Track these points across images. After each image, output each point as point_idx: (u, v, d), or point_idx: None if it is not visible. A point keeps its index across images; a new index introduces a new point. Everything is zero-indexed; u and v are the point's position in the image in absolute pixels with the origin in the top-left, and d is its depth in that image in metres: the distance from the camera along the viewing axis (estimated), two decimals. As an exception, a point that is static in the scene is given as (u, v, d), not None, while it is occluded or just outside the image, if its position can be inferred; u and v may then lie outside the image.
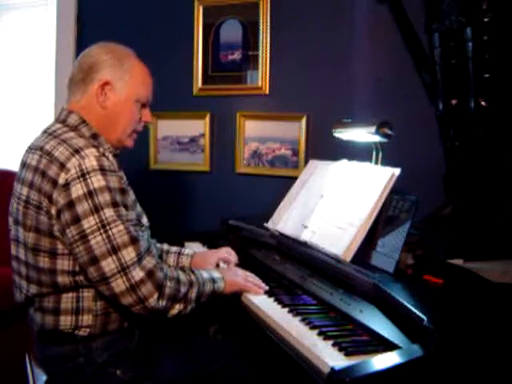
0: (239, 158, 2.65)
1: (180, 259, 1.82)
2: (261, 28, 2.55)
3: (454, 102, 1.97)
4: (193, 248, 2.10)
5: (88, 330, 1.40)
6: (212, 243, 2.18)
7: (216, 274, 1.56)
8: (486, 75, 1.86)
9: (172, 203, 2.75)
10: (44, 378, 1.54)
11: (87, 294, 1.39)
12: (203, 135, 2.71)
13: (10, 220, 1.49)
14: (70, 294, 1.39)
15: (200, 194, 2.76)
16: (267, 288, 1.65)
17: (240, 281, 1.61)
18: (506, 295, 1.45)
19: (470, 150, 1.95)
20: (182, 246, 2.13)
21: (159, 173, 2.80)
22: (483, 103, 1.88)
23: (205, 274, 1.52)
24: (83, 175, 1.32)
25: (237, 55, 2.64)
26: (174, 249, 1.84)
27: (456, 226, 1.89)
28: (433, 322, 1.14)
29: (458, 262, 1.72)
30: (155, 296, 1.34)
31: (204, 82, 2.71)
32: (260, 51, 2.56)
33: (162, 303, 1.36)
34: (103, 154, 1.38)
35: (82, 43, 2.94)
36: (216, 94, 2.70)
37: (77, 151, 1.35)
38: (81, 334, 1.39)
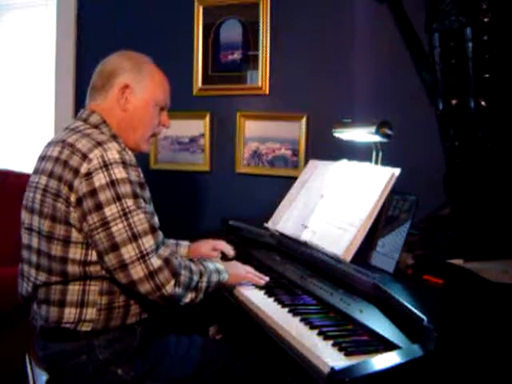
0: (239, 158, 2.65)
1: (178, 249, 1.88)
2: (261, 28, 2.55)
3: (454, 102, 1.97)
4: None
5: (91, 324, 1.41)
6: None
7: (220, 266, 1.61)
8: (486, 75, 1.86)
9: (172, 203, 2.74)
10: (44, 377, 1.54)
11: (94, 287, 1.42)
12: (203, 135, 2.71)
13: (23, 213, 1.52)
14: (77, 287, 1.41)
15: (200, 194, 2.76)
16: (267, 279, 1.71)
17: (242, 272, 1.69)
18: (505, 295, 1.45)
19: (470, 149, 1.95)
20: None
21: (159, 173, 2.80)
22: (483, 103, 1.87)
23: (211, 265, 1.57)
24: (105, 166, 1.37)
25: (237, 55, 2.63)
26: (171, 241, 1.89)
27: (456, 226, 1.89)
28: (433, 322, 1.14)
29: (458, 262, 1.72)
30: (172, 283, 1.38)
31: (204, 81, 2.71)
32: (260, 51, 2.56)
33: (178, 290, 1.40)
34: (124, 149, 1.44)
35: (82, 43, 2.95)
36: (216, 93, 2.70)
37: (99, 144, 1.40)
38: (83, 329, 1.41)
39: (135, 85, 1.54)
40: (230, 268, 1.66)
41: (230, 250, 1.94)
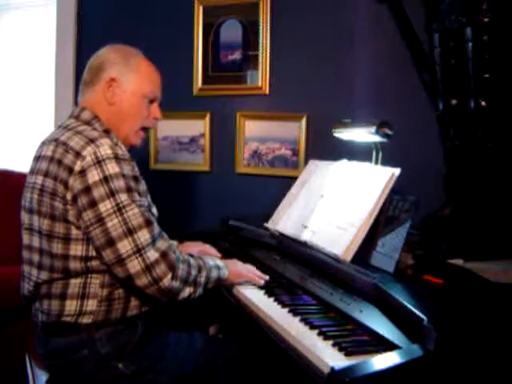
0: (239, 158, 2.65)
1: None
2: (261, 28, 2.55)
3: (454, 101, 1.97)
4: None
5: (92, 316, 1.42)
6: (212, 243, 2.18)
7: (220, 263, 1.62)
8: (486, 75, 1.86)
9: (172, 203, 2.74)
10: (44, 377, 1.54)
11: (95, 280, 1.43)
12: (203, 135, 2.71)
13: (22, 213, 1.53)
14: (79, 280, 1.42)
15: (200, 194, 2.76)
16: (268, 278, 1.71)
17: (242, 270, 1.69)
18: (506, 295, 1.45)
19: (470, 149, 1.95)
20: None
21: (159, 173, 2.80)
22: (483, 103, 1.87)
23: (210, 261, 1.58)
24: (99, 162, 1.37)
25: (237, 55, 2.63)
26: None
27: (456, 226, 1.89)
28: (433, 322, 1.14)
29: (458, 261, 1.72)
30: (169, 276, 1.38)
31: (204, 81, 2.70)
32: (260, 51, 2.56)
33: (176, 284, 1.40)
34: (116, 144, 1.44)
35: (82, 43, 2.94)
36: (216, 93, 2.70)
37: (92, 141, 1.41)
38: (84, 321, 1.42)
39: (121, 77, 1.54)
40: (231, 265, 1.66)
41: (216, 254, 1.93)
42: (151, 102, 1.60)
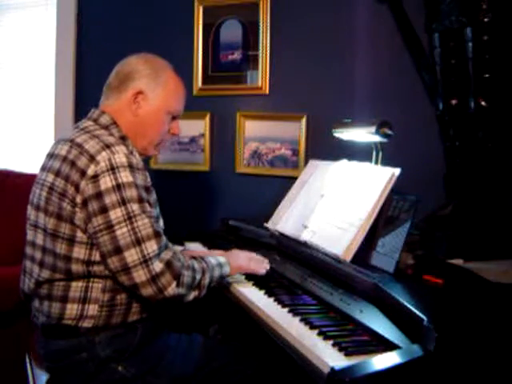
0: (239, 158, 2.65)
1: None
2: (261, 28, 2.55)
3: (453, 102, 1.97)
4: (192, 249, 2.11)
5: (92, 321, 1.42)
6: (212, 243, 2.18)
7: (221, 259, 1.62)
8: (486, 75, 1.86)
9: (172, 203, 2.74)
10: (44, 377, 1.54)
11: (97, 284, 1.42)
12: (203, 135, 2.71)
13: (29, 208, 1.53)
14: (80, 284, 1.42)
15: (200, 193, 2.76)
16: (268, 266, 1.72)
17: (243, 264, 1.69)
18: (505, 295, 1.45)
19: (470, 149, 1.95)
20: (182, 246, 2.13)
21: (159, 173, 2.80)
22: (483, 103, 1.88)
23: (212, 260, 1.58)
24: (112, 169, 1.37)
25: (237, 55, 2.63)
26: None
27: (456, 225, 1.89)
28: (433, 322, 1.14)
29: (458, 261, 1.72)
30: (173, 285, 1.39)
31: (204, 81, 2.71)
32: (260, 51, 2.56)
33: (181, 290, 1.41)
34: (131, 153, 1.44)
35: (81, 43, 2.95)
36: (216, 93, 2.70)
37: (107, 146, 1.41)
38: (85, 325, 1.42)
39: (149, 92, 1.55)
40: (232, 260, 1.66)
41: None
42: (173, 118, 1.62)
